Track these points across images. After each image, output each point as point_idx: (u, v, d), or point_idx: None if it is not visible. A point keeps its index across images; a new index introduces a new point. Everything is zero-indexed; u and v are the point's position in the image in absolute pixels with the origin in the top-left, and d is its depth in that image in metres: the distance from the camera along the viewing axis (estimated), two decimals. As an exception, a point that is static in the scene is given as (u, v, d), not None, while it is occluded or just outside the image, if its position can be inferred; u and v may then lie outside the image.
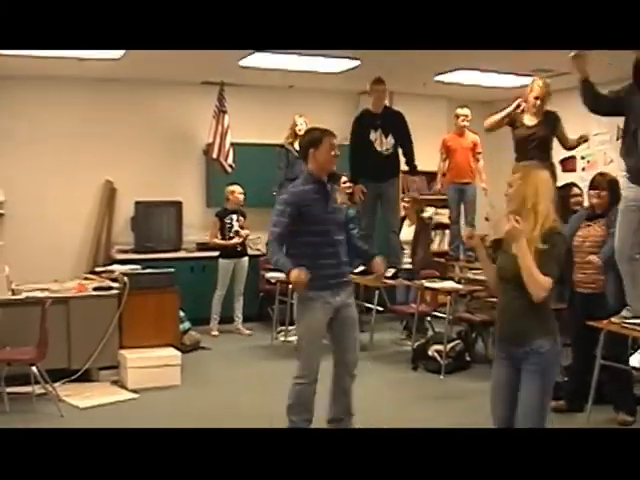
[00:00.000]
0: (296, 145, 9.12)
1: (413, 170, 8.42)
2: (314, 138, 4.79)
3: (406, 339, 8.48)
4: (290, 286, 7.12)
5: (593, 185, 5.79)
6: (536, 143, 6.65)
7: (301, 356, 4.81)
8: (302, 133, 9.02)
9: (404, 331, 8.76)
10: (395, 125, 8.07)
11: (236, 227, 8.89)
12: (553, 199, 3.84)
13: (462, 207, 9.13)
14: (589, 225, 5.78)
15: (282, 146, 9.27)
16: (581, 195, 7.01)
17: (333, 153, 4.76)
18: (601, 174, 6.01)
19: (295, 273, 4.41)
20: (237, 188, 8.96)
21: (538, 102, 6.56)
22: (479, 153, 9.11)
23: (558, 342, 3.72)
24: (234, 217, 8.92)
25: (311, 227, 4.67)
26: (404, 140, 8.12)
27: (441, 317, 7.90)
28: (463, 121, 8.99)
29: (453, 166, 9.09)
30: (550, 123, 6.69)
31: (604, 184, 5.71)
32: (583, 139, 6.92)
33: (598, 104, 5.38)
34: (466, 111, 9.03)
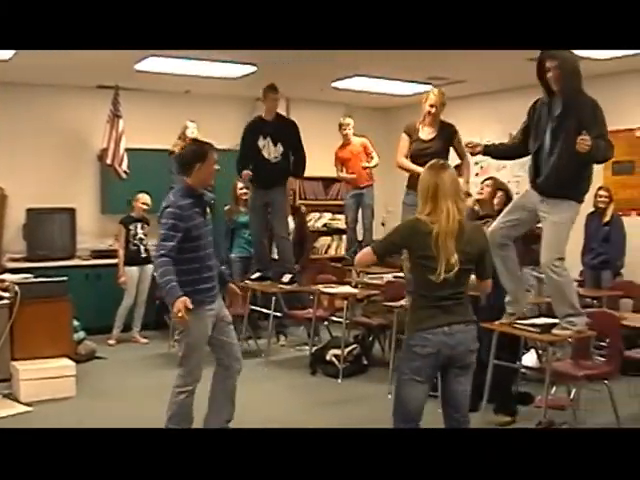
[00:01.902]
0: None
1: (297, 176, 8.45)
2: (201, 152, 4.79)
3: (286, 344, 8.67)
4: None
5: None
6: (429, 158, 6.64)
7: (187, 366, 4.81)
8: (192, 137, 9.04)
9: (280, 335, 8.86)
10: (286, 134, 8.05)
11: (140, 235, 8.77)
12: None
13: (360, 212, 9.22)
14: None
15: (172, 152, 9.19)
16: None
17: (216, 167, 4.86)
18: (490, 178, 6.23)
19: (179, 306, 4.41)
20: (143, 197, 8.82)
21: (433, 110, 6.61)
22: (370, 153, 9.25)
23: (414, 335, 3.86)
24: (138, 225, 8.79)
25: (195, 242, 4.70)
26: (294, 150, 8.12)
27: (338, 321, 7.96)
28: (345, 130, 9.17)
29: (350, 175, 9.25)
30: (445, 136, 6.68)
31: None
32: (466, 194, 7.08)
33: (507, 157, 5.71)
34: (348, 120, 9.25)
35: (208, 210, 4.95)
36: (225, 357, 4.97)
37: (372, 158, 9.24)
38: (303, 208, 9.75)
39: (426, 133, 6.67)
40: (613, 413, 5.41)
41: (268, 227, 8.27)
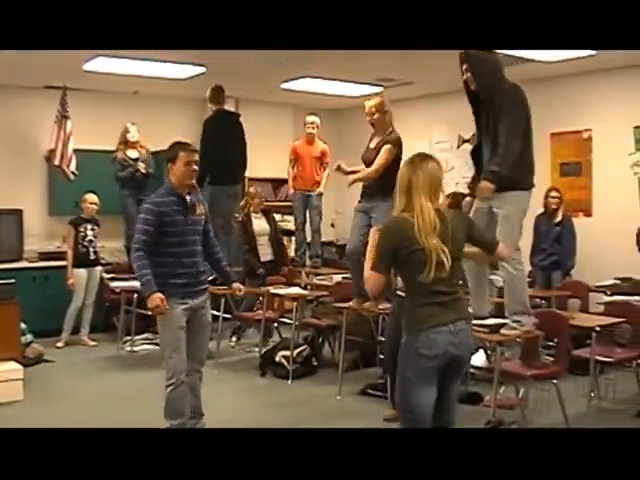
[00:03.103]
0: (129, 152, 9.16)
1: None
2: (171, 153, 5.00)
3: (236, 345, 8.69)
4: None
5: None
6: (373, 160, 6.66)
7: (167, 360, 4.96)
8: (134, 140, 9.04)
9: (234, 336, 8.87)
10: (238, 132, 8.14)
11: (90, 237, 8.69)
12: None
13: (308, 214, 9.26)
14: None
15: (115, 156, 9.17)
16: None
17: (190, 168, 4.95)
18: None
19: (154, 301, 4.72)
20: (90, 197, 8.71)
21: (368, 119, 6.55)
22: (327, 162, 9.14)
23: (413, 336, 3.70)
24: (88, 226, 8.70)
25: (171, 238, 4.89)
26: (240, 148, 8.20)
27: (288, 323, 7.98)
28: (309, 128, 9.05)
29: (301, 174, 9.15)
30: (387, 140, 6.48)
31: None
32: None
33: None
34: (313, 118, 9.08)
35: (200, 209, 5.10)
36: (191, 355, 5.03)
37: (324, 170, 9.14)
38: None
39: (374, 142, 6.61)
40: (561, 412, 5.51)
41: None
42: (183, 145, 5.04)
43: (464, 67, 5.23)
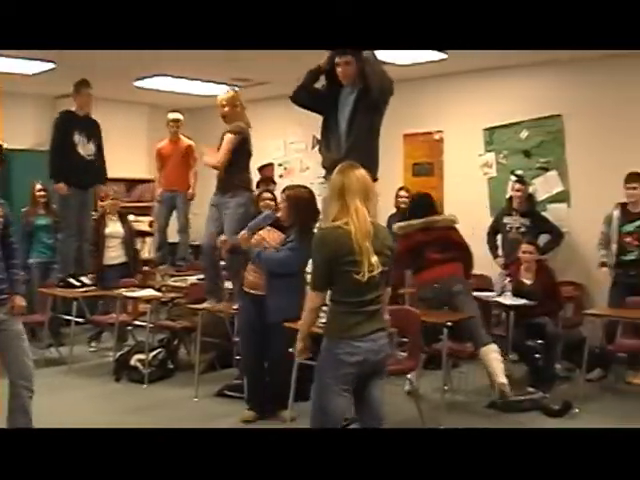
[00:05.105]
0: None
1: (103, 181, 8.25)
2: None
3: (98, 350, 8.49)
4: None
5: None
6: None
7: None
8: None
9: (92, 341, 8.68)
10: (96, 133, 7.88)
11: None
12: None
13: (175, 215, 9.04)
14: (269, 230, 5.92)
15: None
16: (274, 199, 7.01)
17: None
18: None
19: None
20: None
21: (225, 109, 6.48)
22: (194, 159, 8.88)
23: (338, 345, 3.65)
24: None
25: None
26: (98, 150, 7.94)
27: (143, 326, 7.82)
28: (172, 127, 8.87)
29: (166, 173, 8.92)
30: (230, 130, 6.48)
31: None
32: None
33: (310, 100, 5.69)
34: (175, 115, 8.90)
35: None
36: (10, 372, 4.70)
37: (191, 167, 8.90)
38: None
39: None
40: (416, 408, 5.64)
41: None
42: None
43: (342, 60, 5.30)
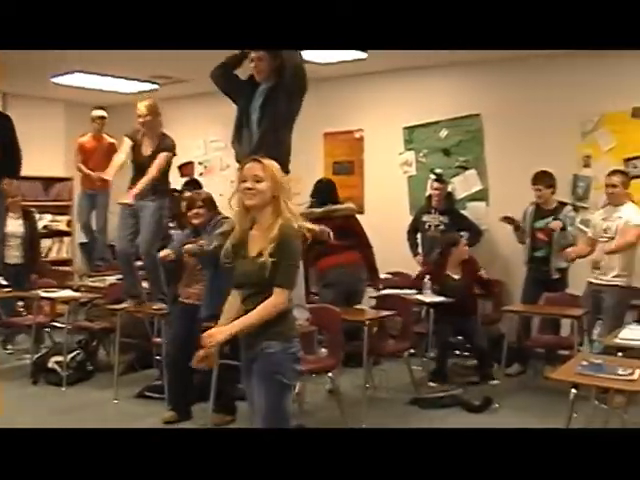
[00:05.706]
0: None
1: (12, 177, 7.99)
2: None
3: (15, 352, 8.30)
4: None
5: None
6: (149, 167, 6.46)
7: None
8: None
9: (6, 343, 8.48)
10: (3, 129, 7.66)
11: None
12: None
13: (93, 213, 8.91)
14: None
15: None
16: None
17: None
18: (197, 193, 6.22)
19: None
20: None
21: (148, 118, 6.41)
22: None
23: (293, 343, 3.60)
24: None
25: None
26: (7, 147, 7.68)
27: (60, 327, 7.67)
28: (96, 123, 8.76)
29: (87, 172, 8.76)
30: (164, 147, 6.48)
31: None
32: None
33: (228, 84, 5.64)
34: (100, 112, 8.80)
35: None
36: None
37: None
38: (34, 210, 9.22)
39: (146, 147, 6.49)
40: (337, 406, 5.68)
41: None
42: None
43: (257, 55, 5.28)
